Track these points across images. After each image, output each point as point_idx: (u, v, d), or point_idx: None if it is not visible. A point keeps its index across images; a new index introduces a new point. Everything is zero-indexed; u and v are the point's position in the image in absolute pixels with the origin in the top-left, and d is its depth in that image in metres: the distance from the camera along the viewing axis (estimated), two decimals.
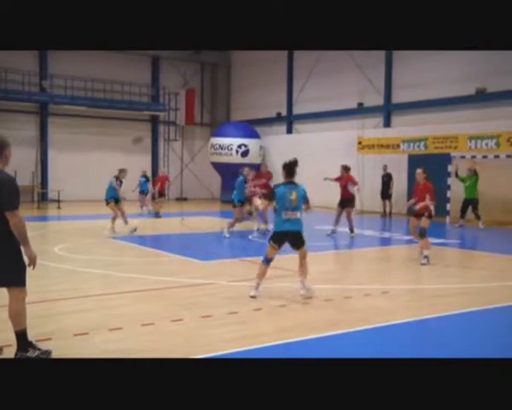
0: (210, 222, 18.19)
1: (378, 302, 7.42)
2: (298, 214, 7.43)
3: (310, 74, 26.58)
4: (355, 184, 15.13)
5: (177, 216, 20.52)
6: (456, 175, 17.77)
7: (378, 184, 21.94)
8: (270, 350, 5.33)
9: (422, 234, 10.69)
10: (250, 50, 29.50)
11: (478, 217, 17.27)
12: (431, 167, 18.62)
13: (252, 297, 7.42)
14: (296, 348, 5.43)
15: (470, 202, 17.46)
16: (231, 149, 27.07)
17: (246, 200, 14.99)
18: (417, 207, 10.88)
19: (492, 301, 7.49)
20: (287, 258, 11.00)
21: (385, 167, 21.47)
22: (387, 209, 21.44)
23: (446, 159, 18.71)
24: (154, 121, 30.66)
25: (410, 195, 21.22)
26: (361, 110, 24.27)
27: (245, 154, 27.09)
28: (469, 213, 17.76)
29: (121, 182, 15.11)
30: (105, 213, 18.44)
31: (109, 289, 7.89)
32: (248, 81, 30.47)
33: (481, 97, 19.78)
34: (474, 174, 17.41)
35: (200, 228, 16.54)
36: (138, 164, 29.97)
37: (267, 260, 7.59)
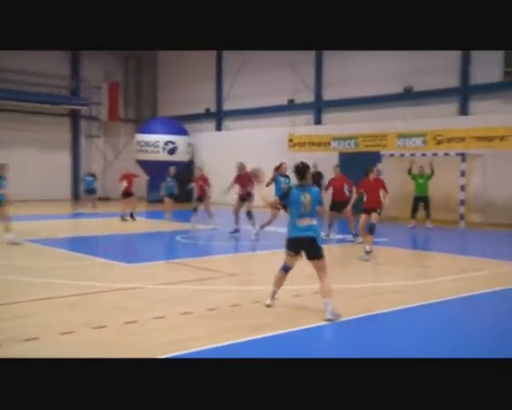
0: (136, 223, 17.85)
1: (308, 303, 7.51)
2: (312, 220, 6.97)
3: (240, 70, 26.65)
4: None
5: (101, 217, 20.01)
6: (410, 172, 17.83)
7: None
8: (199, 355, 5.26)
9: (372, 230, 11.12)
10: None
11: (428, 216, 17.35)
12: (361, 166, 19.31)
13: (267, 306, 7.13)
14: (227, 352, 5.40)
15: (422, 200, 17.44)
16: (158, 146, 26.73)
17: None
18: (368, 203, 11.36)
19: (420, 299, 7.77)
20: (212, 259, 10.95)
21: (315, 165, 21.64)
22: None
23: (376, 157, 19.27)
24: (75, 116, 29.74)
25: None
26: (292, 107, 24.61)
27: (172, 151, 26.82)
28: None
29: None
30: (19, 215, 17.71)
31: (24, 297, 7.56)
32: (176, 75, 30.17)
33: (409, 96, 20.57)
34: (429, 172, 17.45)
35: (125, 229, 16.20)
36: (57, 161, 29.12)
37: (285, 269, 7.17)
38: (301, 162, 7.23)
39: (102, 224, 18.33)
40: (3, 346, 5.50)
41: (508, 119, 17.30)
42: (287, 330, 6.18)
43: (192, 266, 10.13)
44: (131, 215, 18.15)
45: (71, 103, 29.19)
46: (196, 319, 6.64)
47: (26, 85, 27.24)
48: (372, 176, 11.49)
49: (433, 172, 17.30)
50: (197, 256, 11.63)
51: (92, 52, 29.45)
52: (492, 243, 14.27)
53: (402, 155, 18.97)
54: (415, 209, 17.52)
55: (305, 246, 6.93)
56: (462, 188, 17.49)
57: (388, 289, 8.47)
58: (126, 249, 13.00)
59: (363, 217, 11.65)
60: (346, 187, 14.11)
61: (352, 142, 20.98)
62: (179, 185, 18.80)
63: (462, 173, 17.46)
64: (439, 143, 18.53)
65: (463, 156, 17.45)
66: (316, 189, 7.12)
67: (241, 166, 15.16)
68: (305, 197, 6.86)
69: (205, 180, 17.04)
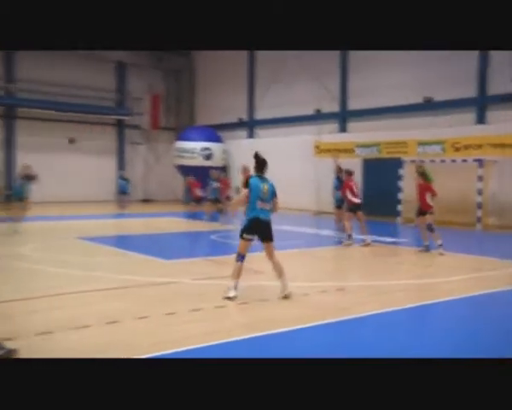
0: (174, 223, 18.05)
1: (334, 298, 7.50)
2: (268, 206, 7.37)
3: (270, 82, 26.67)
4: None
5: (141, 217, 20.28)
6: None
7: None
8: (233, 345, 5.31)
9: (431, 228, 11.80)
10: (213, 58, 29.46)
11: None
12: (383, 171, 19.20)
13: (230, 299, 7.07)
14: (259, 343, 5.43)
15: None
16: (195, 152, 26.95)
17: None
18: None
19: (439, 296, 7.67)
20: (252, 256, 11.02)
21: (338, 163, 21.31)
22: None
23: (397, 163, 19.08)
24: (120, 125, 30.24)
25: (364, 197, 21.56)
26: (318, 116, 24.50)
27: (208, 157, 27.00)
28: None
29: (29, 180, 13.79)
30: (71, 215, 18.09)
31: (76, 288, 7.73)
32: (212, 87, 30.38)
33: (428, 106, 20.27)
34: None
35: (164, 228, 16.39)
36: (105, 167, 29.71)
37: (241, 257, 7.30)
38: (261, 157, 7.64)
39: (143, 223, 18.57)
40: (55, 333, 5.64)
41: None
42: (317, 323, 6.17)
43: (225, 263, 10.19)
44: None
45: (117, 114, 29.68)
46: (229, 311, 6.68)
47: (76, 98, 27.82)
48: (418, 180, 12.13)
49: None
50: (227, 254, 11.69)
51: (136, 67, 29.93)
52: (508, 245, 13.97)
53: (422, 162, 18.71)
54: None
55: (261, 228, 7.27)
56: (479, 192, 17.18)
57: (404, 287, 8.38)
58: (165, 247, 13.12)
59: (420, 218, 12.19)
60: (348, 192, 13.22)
61: (374, 148, 20.81)
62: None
63: (479, 178, 17.14)
64: (457, 150, 18.28)
65: (480, 162, 17.13)
66: (271, 182, 7.54)
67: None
68: (264, 186, 7.35)
69: (224, 182, 17.43)
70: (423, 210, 11.96)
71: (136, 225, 17.97)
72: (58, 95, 27.17)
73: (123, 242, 13.87)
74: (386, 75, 21.38)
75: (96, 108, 28.42)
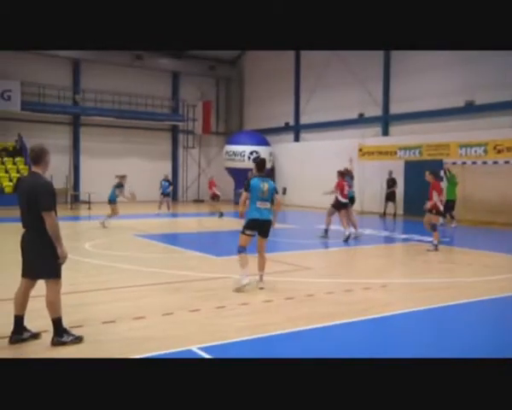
0: (224, 222, 18.23)
1: (377, 295, 7.40)
2: (268, 205, 7.58)
3: (315, 87, 26.54)
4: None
5: (192, 217, 20.56)
6: (445, 173, 17.56)
7: (377, 188, 21.89)
8: (279, 338, 5.33)
9: (434, 227, 11.66)
10: (260, 65, 29.56)
11: (453, 217, 17.07)
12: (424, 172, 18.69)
13: (243, 287, 7.35)
14: (303, 337, 5.43)
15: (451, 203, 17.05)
16: (244, 155, 27.11)
17: None
18: (427, 205, 11.67)
19: (479, 294, 7.45)
20: (291, 254, 11.00)
21: (390, 173, 21.19)
22: (392, 211, 20.91)
23: (439, 165, 18.60)
24: (174, 131, 30.81)
25: (406, 197, 21.21)
26: (361, 120, 24.20)
27: (256, 160, 27.10)
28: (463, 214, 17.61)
29: (122, 186, 15.97)
30: (128, 213, 18.55)
31: (133, 282, 7.93)
32: (259, 93, 30.49)
33: (470, 109, 19.66)
34: (451, 176, 17.24)
35: (215, 227, 16.57)
36: (160, 169, 30.33)
37: (243, 249, 7.60)
38: (260, 158, 8.18)
39: (195, 222, 18.84)
40: (116, 322, 5.81)
41: None
42: (360, 319, 6.11)
43: (273, 260, 10.23)
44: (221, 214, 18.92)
45: (171, 119, 30.24)
46: (276, 306, 6.71)
47: (135, 105, 28.56)
48: (428, 179, 11.80)
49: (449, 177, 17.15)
50: (277, 251, 11.73)
51: (190, 75, 30.39)
52: None
53: (464, 163, 18.23)
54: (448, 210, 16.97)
55: (261, 226, 7.53)
56: None
57: (447, 285, 8.17)
58: (215, 244, 13.26)
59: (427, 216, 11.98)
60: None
61: (416, 151, 20.35)
62: None
63: None
64: (499, 152, 17.63)
65: None
66: (272, 181, 7.81)
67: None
68: (264, 186, 7.56)
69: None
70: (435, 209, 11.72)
71: (189, 223, 18.26)
72: (118, 103, 27.95)
73: (175, 239, 14.12)
74: (427, 79, 20.87)
75: (153, 115, 29.05)
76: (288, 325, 5.81)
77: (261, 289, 7.54)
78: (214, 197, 19.75)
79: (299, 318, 6.11)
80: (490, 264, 10.06)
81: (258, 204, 7.52)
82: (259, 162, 7.89)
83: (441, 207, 11.72)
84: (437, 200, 11.50)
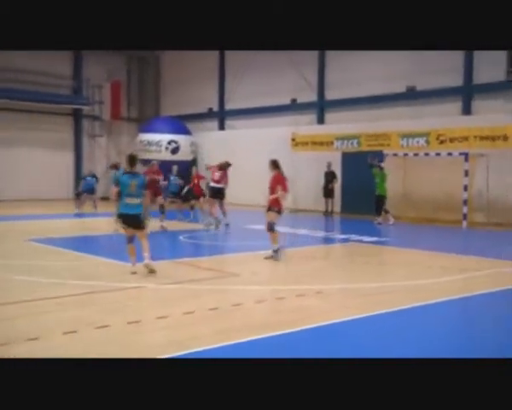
0: None
1: (312, 302, 7.56)
2: (137, 200, 9.11)
3: (243, 70, 26.68)
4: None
5: (104, 216, 20.06)
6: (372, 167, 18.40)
7: (313, 183, 22.37)
8: (205, 354, 5.30)
9: (271, 227, 10.78)
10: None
11: (385, 212, 18.07)
12: (364, 165, 19.39)
13: (133, 273, 8.95)
14: (232, 351, 5.44)
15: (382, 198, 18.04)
16: (161, 145, 26.80)
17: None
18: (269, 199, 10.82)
19: (423, 298, 7.80)
20: (213, 259, 11.01)
21: (329, 165, 21.65)
22: (329, 208, 21.44)
23: (379, 156, 19.30)
24: (77, 116, 29.80)
25: (344, 193, 21.86)
26: (294, 106, 24.63)
27: (175, 150, 26.88)
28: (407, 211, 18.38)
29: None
30: (27, 214, 17.77)
31: (30, 296, 7.61)
32: (179, 75, 30.21)
33: (411, 95, 20.55)
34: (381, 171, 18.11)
35: None
36: (59, 161, 29.20)
37: (130, 240, 9.32)
38: (130, 153, 9.89)
39: (104, 223, 18.37)
40: (8, 345, 5.55)
41: (510, 118, 17.33)
42: (294, 330, 6.21)
43: (195, 265, 10.18)
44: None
45: (73, 102, 29.27)
46: (199, 319, 6.67)
47: (28, 85, 27.29)
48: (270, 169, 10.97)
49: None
50: (200, 256, 11.69)
51: (94, 52, 29.53)
52: (495, 243, 14.29)
53: (405, 155, 19.02)
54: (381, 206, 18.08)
55: (130, 220, 9.14)
56: (465, 188, 17.46)
57: (389, 289, 8.50)
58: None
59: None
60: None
61: (354, 141, 21.02)
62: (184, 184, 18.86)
63: (466, 173, 17.42)
64: (441, 142, 18.59)
65: (466, 156, 17.42)
66: (141, 176, 9.57)
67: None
68: (132, 182, 9.06)
69: (200, 178, 17.37)
70: None
71: (99, 224, 17.78)
72: (10, 81, 26.61)
73: (84, 244, 13.70)
74: (366, 63, 21.55)
75: (49, 96, 27.80)
76: (219, 337, 5.78)
77: (151, 272, 8.96)
78: (199, 195, 17.68)
79: (227, 330, 6.12)
80: (434, 265, 10.57)
81: (127, 200, 9.06)
82: (129, 158, 9.37)
83: (283, 205, 11.04)
84: (280, 195, 10.75)
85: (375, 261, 11.21)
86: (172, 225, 16.22)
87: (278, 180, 10.78)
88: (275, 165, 10.93)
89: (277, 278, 9.66)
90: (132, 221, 9.17)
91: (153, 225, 13.13)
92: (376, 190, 18.07)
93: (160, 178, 16.24)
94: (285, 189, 10.73)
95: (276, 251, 10.74)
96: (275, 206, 10.81)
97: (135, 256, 9.15)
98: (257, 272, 9.94)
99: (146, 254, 9.07)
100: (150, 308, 7.08)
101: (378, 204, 17.97)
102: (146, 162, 26.97)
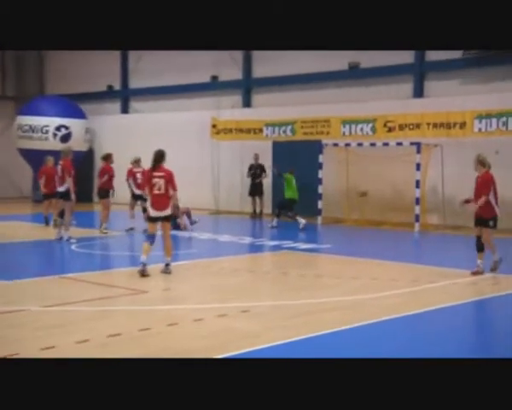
0: (20, 229, 17.44)
1: (237, 324, 7.59)
2: None
3: None
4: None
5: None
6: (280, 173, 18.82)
7: (237, 178, 22.45)
8: None
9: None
10: None
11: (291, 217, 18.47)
12: (299, 157, 19.68)
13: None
14: None
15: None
16: (47, 131, 26.13)
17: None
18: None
19: (369, 317, 8.01)
20: (116, 272, 10.90)
21: (256, 157, 21.73)
22: (258, 208, 21.64)
23: (317, 146, 19.58)
24: None
25: (275, 191, 22.01)
26: (215, 85, 24.59)
27: (66, 138, 26.24)
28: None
29: None
30: None
31: None
32: None
33: (355, 73, 20.89)
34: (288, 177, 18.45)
35: (6, 237, 15.78)
36: None
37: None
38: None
39: None
40: None
41: (468, 102, 17.93)
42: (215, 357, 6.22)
43: (90, 281, 10.00)
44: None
45: None
46: (94, 348, 6.57)
47: None
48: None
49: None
50: (96, 270, 11.51)
51: None
52: (451, 250, 14.81)
53: (347, 145, 19.35)
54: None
55: None
56: (417, 184, 17.91)
57: (330, 306, 8.66)
58: (6, 262, 12.62)
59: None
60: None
61: (287, 128, 21.22)
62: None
63: (418, 166, 17.87)
64: (390, 130, 18.98)
65: (418, 146, 17.87)
66: None
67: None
68: None
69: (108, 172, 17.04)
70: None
71: None
72: None
73: None
74: None
75: None
76: None
77: None
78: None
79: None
80: (380, 276, 10.87)
81: None
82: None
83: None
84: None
85: (311, 273, 11.39)
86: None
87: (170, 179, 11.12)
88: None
89: (194, 294, 9.64)
90: None
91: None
92: (287, 192, 18.26)
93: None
94: (174, 188, 11.05)
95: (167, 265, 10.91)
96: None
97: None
98: (169, 287, 9.89)
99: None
100: (31, 339, 6.89)
101: (289, 207, 18.22)
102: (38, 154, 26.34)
